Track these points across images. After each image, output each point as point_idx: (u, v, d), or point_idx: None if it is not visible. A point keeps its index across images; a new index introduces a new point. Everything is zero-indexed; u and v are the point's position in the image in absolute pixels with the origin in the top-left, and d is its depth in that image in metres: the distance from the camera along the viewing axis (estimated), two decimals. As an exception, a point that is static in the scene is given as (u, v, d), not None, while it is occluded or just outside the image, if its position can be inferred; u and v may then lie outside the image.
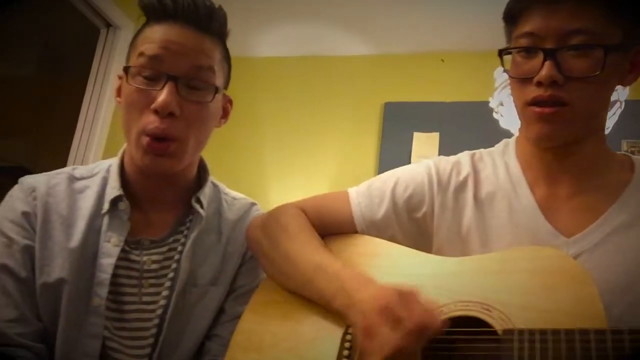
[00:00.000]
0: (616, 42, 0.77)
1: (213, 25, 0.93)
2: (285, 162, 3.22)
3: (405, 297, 0.70)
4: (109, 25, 2.65)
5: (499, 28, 0.88)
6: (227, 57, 0.97)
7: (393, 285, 0.74)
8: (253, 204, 1.08)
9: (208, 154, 1.03)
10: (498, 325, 0.69)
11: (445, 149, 2.97)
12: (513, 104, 2.05)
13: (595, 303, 0.65)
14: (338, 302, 0.77)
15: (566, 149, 0.83)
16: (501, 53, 0.85)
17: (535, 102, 0.79)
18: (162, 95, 0.85)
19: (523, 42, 0.80)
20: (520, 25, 0.81)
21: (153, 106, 0.86)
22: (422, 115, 3.08)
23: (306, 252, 0.86)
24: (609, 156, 0.86)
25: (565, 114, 0.78)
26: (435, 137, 3.01)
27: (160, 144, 0.87)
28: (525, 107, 0.81)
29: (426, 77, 3.17)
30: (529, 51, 0.80)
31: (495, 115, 2.02)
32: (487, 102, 2.15)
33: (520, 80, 0.82)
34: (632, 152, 2.75)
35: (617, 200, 0.81)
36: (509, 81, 1.90)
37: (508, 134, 2.05)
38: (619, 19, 0.77)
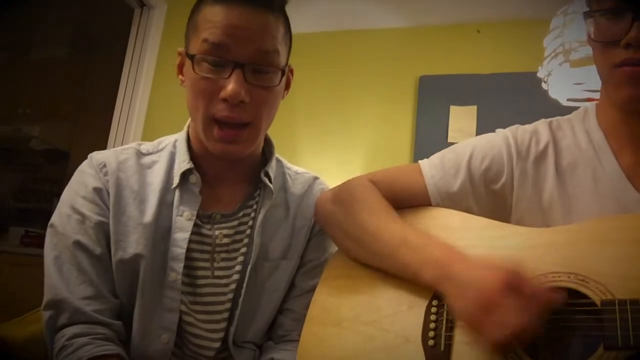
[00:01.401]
0: None
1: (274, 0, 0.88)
2: (320, 137, 3.20)
3: (521, 275, 0.68)
4: (142, 4, 2.64)
5: None
6: (289, 27, 0.94)
7: (491, 259, 0.72)
8: (316, 178, 1.06)
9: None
10: (596, 297, 0.67)
11: (484, 122, 2.92)
12: (563, 74, 1.98)
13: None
14: (429, 274, 0.76)
15: None
16: (585, 16, 0.81)
17: (624, 64, 0.75)
18: (231, 84, 0.83)
19: (609, 3, 0.76)
20: None
21: (222, 95, 0.84)
22: (458, 88, 3.02)
23: (387, 224, 0.84)
24: None
25: None
26: (472, 110, 2.95)
27: (233, 131, 0.86)
28: (612, 69, 0.77)
29: (462, 49, 3.11)
30: (616, 12, 0.76)
31: (544, 86, 1.96)
32: (526, 73, 2.08)
33: (605, 43, 0.78)
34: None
35: None
36: (558, 50, 1.84)
37: (557, 105, 2.00)
38: None
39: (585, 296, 0.68)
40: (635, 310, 0.63)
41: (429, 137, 3.00)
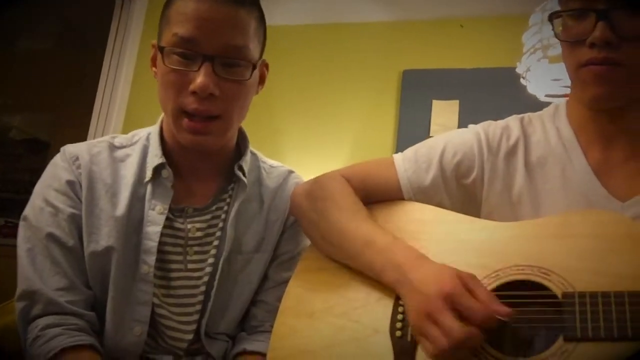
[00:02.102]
0: None
1: None
2: (303, 131, 3.20)
3: (469, 283, 0.69)
4: (124, -4, 2.62)
5: None
6: (262, 21, 0.94)
7: (448, 267, 0.73)
8: (291, 172, 1.07)
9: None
10: (557, 289, 0.68)
11: (466, 117, 2.94)
12: (541, 69, 2.00)
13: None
14: (388, 276, 0.77)
15: (621, 111, 0.80)
16: (552, 17, 0.82)
17: (589, 64, 0.77)
18: (200, 77, 0.83)
19: (574, 4, 0.78)
20: None
21: (191, 88, 0.84)
22: (441, 82, 3.03)
23: (355, 223, 0.86)
24: None
25: (620, 74, 0.75)
26: (455, 104, 2.97)
27: (202, 123, 0.86)
28: (579, 69, 0.79)
29: (445, 44, 3.11)
30: (580, 13, 0.77)
31: (522, 81, 1.98)
32: (508, 68, 2.10)
33: (572, 43, 0.79)
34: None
35: None
36: (537, 46, 1.86)
37: (535, 100, 2.02)
38: None
39: (548, 289, 0.70)
40: (594, 303, 0.65)
41: (412, 130, 3.01)
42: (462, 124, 2.90)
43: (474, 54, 3.01)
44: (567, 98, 0.91)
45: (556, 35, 0.83)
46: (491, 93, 2.85)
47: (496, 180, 0.86)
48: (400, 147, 3.07)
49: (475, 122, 0.95)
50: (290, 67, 3.30)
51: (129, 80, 2.57)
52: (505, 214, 0.85)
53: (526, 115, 0.92)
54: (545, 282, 0.70)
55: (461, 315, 0.67)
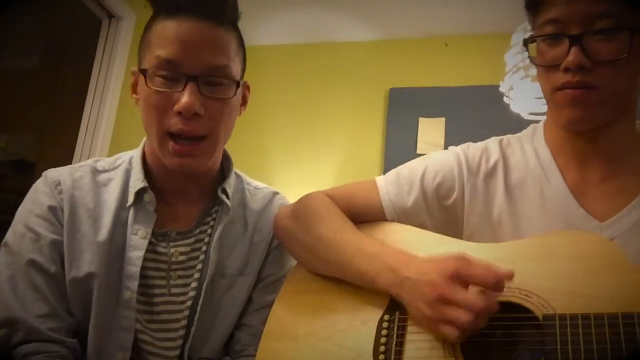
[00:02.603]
0: None
1: (226, 13, 0.89)
2: (291, 149, 3.21)
3: (465, 259, 0.71)
4: (111, 16, 2.63)
5: (503, 10, 0.87)
6: (241, 42, 0.95)
7: (437, 255, 0.74)
8: (276, 193, 1.07)
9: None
10: (538, 311, 0.69)
11: (452, 134, 2.97)
12: (524, 88, 2.03)
13: (638, 290, 0.65)
14: (384, 280, 0.77)
15: (597, 132, 0.82)
16: (526, 42, 0.84)
17: (564, 88, 0.78)
18: (185, 97, 0.83)
19: (548, 29, 0.80)
20: (543, 12, 0.80)
21: (176, 108, 0.84)
22: (427, 100, 3.06)
23: (342, 233, 0.86)
24: (638, 138, 0.86)
25: (594, 97, 0.77)
26: (441, 122, 3.00)
27: (188, 145, 0.86)
28: (554, 92, 0.80)
29: (430, 62, 3.16)
30: (554, 38, 0.79)
31: (505, 100, 2.01)
32: (493, 86, 2.13)
33: (547, 67, 0.81)
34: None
35: None
36: (520, 65, 1.89)
37: (519, 118, 2.05)
38: None
39: (529, 311, 0.70)
40: (574, 325, 0.65)
41: (399, 148, 3.04)
42: (449, 141, 2.96)
43: (459, 72, 3.05)
44: (545, 119, 0.93)
45: (531, 60, 0.84)
46: (477, 110, 2.89)
47: (476, 201, 0.87)
48: (387, 164, 3.10)
49: (462, 139, 0.97)
50: (278, 86, 3.32)
51: (116, 101, 2.57)
52: (486, 235, 0.86)
53: (505, 137, 0.94)
54: (527, 304, 0.71)
55: (467, 299, 0.68)
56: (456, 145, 0.96)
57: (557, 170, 0.85)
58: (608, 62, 0.76)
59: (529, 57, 0.85)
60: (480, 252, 0.80)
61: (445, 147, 0.96)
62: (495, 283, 0.68)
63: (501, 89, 2.00)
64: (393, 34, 3.21)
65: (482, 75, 2.95)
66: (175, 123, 0.85)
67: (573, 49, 0.76)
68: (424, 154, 0.98)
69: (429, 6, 2.93)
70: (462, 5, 2.86)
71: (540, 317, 0.68)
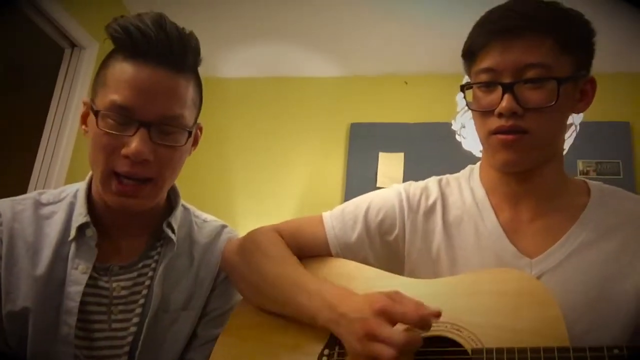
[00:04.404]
0: (567, 74, 0.82)
1: (187, 61, 0.88)
2: (253, 182, 3.22)
3: (394, 296, 0.73)
4: (73, 45, 2.62)
5: (460, 52, 0.91)
6: (199, 88, 0.95)
7: (375, 292, 0.76)
8: (224, 226, 1.07)
9: (173, 176, 1.01)
10: (468, 345, 0.71)
11: (410, 169, 3.04)
12: (474, 127, 2.12)
13: (559, 324, 0.68)
14: (323, 318, 0.79)
15: (528, 174, 0.87)
16: (463, 88, 0.89)
17: (498, 132, 0.83)
18: (135, 143, 0.83)
19: (483, 77, 0.85)
20: (479, 61, 0.85)
21: (124, 152, 0.84)
22: (387, 135, 3.14)
23: (285, 271, 0.88)
24: (566, 180, 0.91)
25: (526, 141, 0.82)
26: (400, 157, 3.07)
27: (133, 186, 0.86)
28: (489, 136, 0.85)
29: (391, 99, 3.25)
30: (488, 86, 0.84)
31: (457, 138, 2.08)
32: (449, 124, 2.21)
33: (482, 112, 0.85)
34: (587, 172, 2.87)
35: (577, 222, 0.85)
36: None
37: (470, 156, 2.12)
38: (569, 52, 0.82)
39: (460, 345, 0.72)
40: (500, 359, 0.68)
41: (360, 181, 3.09)
42: (407, 175, 3.02)
43: (417, 109, 3.15)
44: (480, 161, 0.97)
45: (467, 105, 0.89)
46: (435, 147, 2.97)
47: (416, 237, 0.90)
48: (348, 197, 3.12)
49: (420, 174, 1.01)
50: (241, 119, 3.35)
51: (74, 130, 2.54)
52: (426, 270, 0.89)
53: (444, 177, 0.98)
54: (458, 338, 0.73)
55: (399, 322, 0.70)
56: (415, 179, 0.99)
57: (491, 209, 0.89)
58: (537, 108, 0.81)
59: (465, 102, 0.90)
60: (417, 288, 0.83)
61: (404, 182, 1.00)
62: (420, 321, 0.70)
63: (453, 127, 2.07)
64: (355, 71, 3.30)
65: (440, 113, 3.05)
66: (122, 165, 0.85)
67: (506, 96, 0.81)
68: (384, 187, 1.01)
69: (390, 46, 3.03)
70: (422, 46, 2.97)
71: (469, 351, 0.70)
